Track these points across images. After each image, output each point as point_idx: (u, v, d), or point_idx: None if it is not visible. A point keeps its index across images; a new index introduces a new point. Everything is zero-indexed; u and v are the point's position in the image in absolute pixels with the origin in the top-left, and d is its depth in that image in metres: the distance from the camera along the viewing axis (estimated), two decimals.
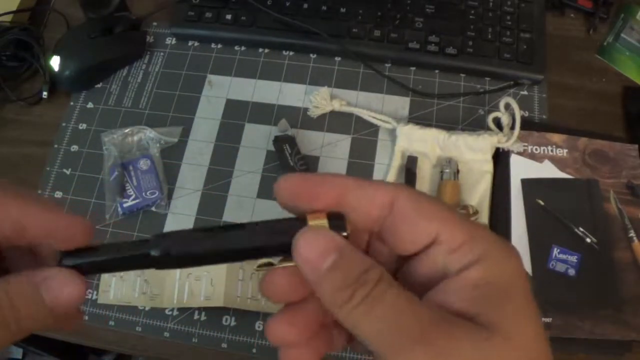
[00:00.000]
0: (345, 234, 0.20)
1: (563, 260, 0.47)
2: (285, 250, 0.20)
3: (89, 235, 0.21)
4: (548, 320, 0.45)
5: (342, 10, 0.60)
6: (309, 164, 0.54)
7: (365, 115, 0.55)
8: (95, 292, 0.50)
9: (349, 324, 0.19)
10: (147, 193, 0.53)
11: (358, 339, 0.19)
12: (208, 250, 0.21)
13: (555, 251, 0.48)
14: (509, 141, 0.51)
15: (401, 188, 0.20)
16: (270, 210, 0.52)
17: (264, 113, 0.57)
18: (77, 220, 0.21)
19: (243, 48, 0.61)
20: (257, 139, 0.56)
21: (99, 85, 0.61)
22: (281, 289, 0.22)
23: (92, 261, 0.21)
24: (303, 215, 0.20)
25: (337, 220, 0.20)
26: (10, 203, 0.20)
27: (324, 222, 0.20)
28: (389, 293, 0.18)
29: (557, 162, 0.51)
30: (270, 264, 0.22)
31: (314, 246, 0.19)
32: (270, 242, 0.20)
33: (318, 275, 0.19)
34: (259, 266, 0.22)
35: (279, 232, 0.20)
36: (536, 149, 0.52)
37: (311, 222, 0.20)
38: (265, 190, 0.53)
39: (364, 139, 0.55)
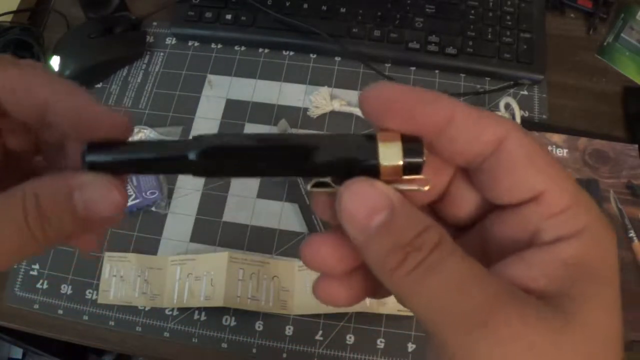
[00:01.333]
0: (420, 160, 0.17)
1: None
2: (342, 170, 0.17)
3: (126, 132, 0.18)
4: None
5: (342, 10, 0.60)
6: None
7: None
8: (95, 292, 0.50)
9: (399, 294, 0.16)
10: (147, 193, 0.53)
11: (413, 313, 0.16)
12: (255, 151, 0.17)
13: None
14: None
15: (514, 127, 0.17)
16: (271, 210, 0.52)
17: (264, 113, 0.57)
18: (112, 114, 0.18)
19: (243, 48, 0.61)
20: None
21: (99, 85, 0.61)
22: (324, 258, 0.18)
23: (122, 159, 0.18)
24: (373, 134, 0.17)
25: (413, 144, 0.17)
26: (37, 83, 0.17)
27: (398, 145, 0.17)
28: (449, 261, 0.16)
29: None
30: (327, 185, 0.18)
31: (362, 201, 0.16)
32: (326, 155, 0.17)
33: (366, 235, 0.16)
34: (314, 185, 0.18)
35: (340, 146, 0.17)
36: None
37: (381, 144, 0.17)
38: (266, 190, 0.53)
39: None
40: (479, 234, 0.19)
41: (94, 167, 0.18)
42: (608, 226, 0.17)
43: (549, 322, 0.15)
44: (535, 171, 0.17)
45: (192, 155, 0.17)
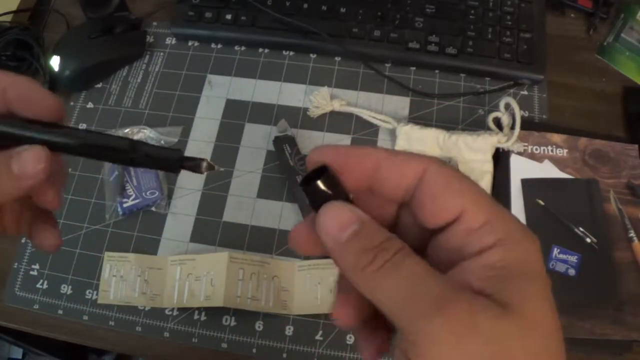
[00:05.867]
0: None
1: (563, 260, 0.47)
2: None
3: (60, 113, 0.25)
4: None
5: (342, 10, 0.60)
6: None
7: (365, 115, 0.55)
8: (95, 292, 0.50)
9: (368, 288, 0.19)
10: (147, 193, 0.53)
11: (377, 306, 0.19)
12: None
13: (556, 251, 0.48)
14: (509, 141, 0.51)
15: (432, 161, 0.20)
16: (271, 210, 0.52)
17: (264, 113, 0.57)
18: (51, 95, 0.24)
19: (243, 48, 0.61)
20: (257, 139, 0.56)
21: (99, 85, 0.61)
22: (306, 242, 0.22)
23: (56, 141, 0.24)
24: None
25: (331, 181, 0.20)
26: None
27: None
28: (410, 261, 0.19)
29: (557, 162, 0.51)
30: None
31: (336, 219, 0.20)
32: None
33: (339, 244, 0.19)
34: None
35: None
36: (536, 149, 0.52)
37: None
38: (265, 190, 0.53)
39: (364, 139, 0.55)
40: (430, 254, 0.22)
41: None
42: (527, 232, 0.20)
43: (493, 311, 0.18)
44: (452, 195, 0.20)
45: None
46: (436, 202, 0.20)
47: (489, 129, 0.53)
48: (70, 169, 0.56)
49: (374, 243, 0.19)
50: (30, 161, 0.23)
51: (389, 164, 0.21)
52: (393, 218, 0.23)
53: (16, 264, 0.52)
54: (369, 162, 0.21)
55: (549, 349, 0.18)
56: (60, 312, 0.50)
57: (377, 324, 0.22)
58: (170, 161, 0.25)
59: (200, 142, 0.56)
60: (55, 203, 0.26)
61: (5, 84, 0.24)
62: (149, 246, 0.52)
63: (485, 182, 0.51)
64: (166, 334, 0.49)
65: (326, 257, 0.21)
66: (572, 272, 0.47)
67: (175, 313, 0.49)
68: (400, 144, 0.53)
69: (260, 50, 0.61)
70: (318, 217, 0.20)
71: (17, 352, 1.01)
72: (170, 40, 0.63)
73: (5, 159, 0.23)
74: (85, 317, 0.50)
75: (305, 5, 0.60)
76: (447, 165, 0.21)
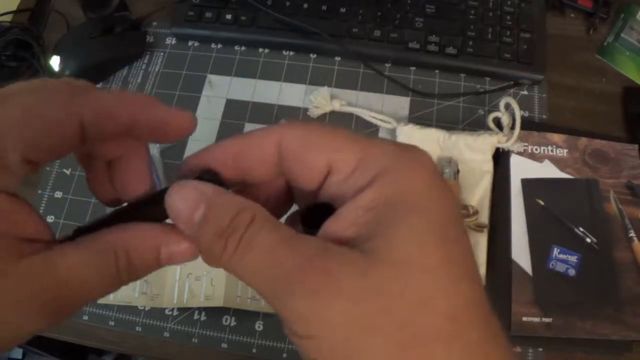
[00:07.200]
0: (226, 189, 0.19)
1: (563, 260, 0.47)
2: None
3: (190, 126, 0.21)
4: (548, 320, 0.45)
5: (342, 10, 0.60)
6: None
7: (366, 115, 0.55)
8: None
9: (236, 274, 0.18)
10: None
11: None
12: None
13: (556, 251, 0.48)
14: (509, 141, 0.51)
15: (287, 127, 0.20)
16: None
17: (264, 113, 0.57)
18: (185, 115, 0.21)
19: (243, 48, 0.61)
20: None
21: (98, 86, 0.61)
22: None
23: None
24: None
25: (210, 176, 0.19)
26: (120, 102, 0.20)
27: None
28: (261, 235, 0.17)
29: (557, 162, 0.51)
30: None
31: (182, 199, 0.18)
32: (154, 211, 0.20)
33: (193, 230, 0.18)
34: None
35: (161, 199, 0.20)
36: (536, 149, 0.52)
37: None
38: None
39: None
40: None
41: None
42: (414, 161, 0.18)
43: (355, 266, 0.16)
44: (313, 152, 0.19)
45: None
46: (301, 165, 0.19)
47: (489, 129, 0.53)
48: (70, 169, 0.56)
49: (224, 223, 0.17)
50: (181, 250, 0.20)
51: (247, 145, 0.20)
52: (284, 196, 0.22)
53: None
54: (230, 151, 0.20)
55: (436, 284, 0.16)
56: None
57: None
58: None
59: (201, 142, 0.56)
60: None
61: (126, 118, 0.20)
62: None
63: (485, 182, 0.51)
64: (166, 334, 0.49)
65: None
66: (572, 272, 0.47)
67: (175, 313, 0.49)
68: None
69: (260, 50, 0.61)
70: (167, 199, 0.19)
71: (17, 352, 1.01)
72: (170, 40, 0.63)
73: (151, 247, 0.20)
74: (85, 317, 0.50)
75: (305, 5, 0.60)
76: (306, 124, 0.20)
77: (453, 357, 0.16)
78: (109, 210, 0.22)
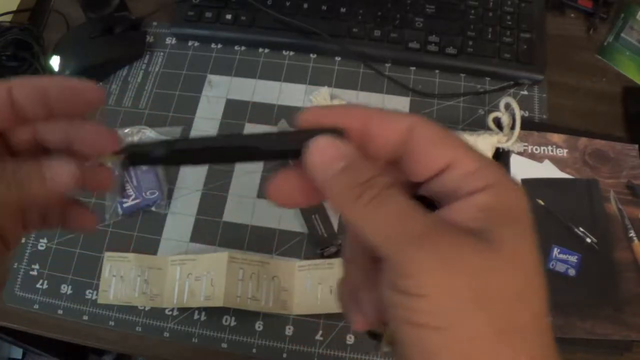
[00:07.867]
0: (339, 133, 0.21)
1: (563, 260, 0.47)
2: (294, 156, 0.21)
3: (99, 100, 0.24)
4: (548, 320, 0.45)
5: (342, 10, 0.60)
6: None
7: None
8: (95, 292, 0.50)
9: (356, 221, 0.19)
10: (147, 193, 0.53)
11: (361, 237, 0.20)
12: (216, 146, 0.22)
13: (556, 251, 0.48)
14: (509, 141, 0.51)
15: (419, 118, 0.21)
16: (271, 210, 0.52)
17: (264, 113, 0.57)
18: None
19: (243, 48, 0.61)
20: None
21: (99, 85, 0.61)
22: (287, 192, 0.22)
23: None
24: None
25: (338, 135, 0.21)
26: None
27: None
28: (398, 198, 0.19)
29: (557, 162, 0.51)
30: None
31: (326, 151, 0.20)
32: (281, 146, 0.21)
33: (329, 175, 0.20)
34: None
35: (292, 139, 0.21)
36: (536, 149, 0.52)
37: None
38: (265, 191, 0.53)
39: None
40: None
41: None
42: (514, 183, 0.21)
43: (478, 245, 0.18)
44: (442, 147, 0.21)
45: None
46: (427, 154, 0.21)
47: (489, 129, 0.53)
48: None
49: (362, 179, 0.19)
50: (61, 169, 0.23)
51: (379, 121, 0.21)
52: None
53: (16, 264, 0.52)
54: (358, 120, 0.21)
55: (532, 286, 0.19)
56: (60, 312, 0.50)
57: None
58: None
59: None
60: (92, 223, 0.28)
61: (46, 85, 0.23)
62: (149, 246, 0.52)
63: None
64: (166, 334, 0.49)
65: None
66: (572, 272, 0.47)
67: (175, 313, 0.49)
68: None
69: (260, 50, 0.61)
70: (310, 147, 0.20)
71: (17, 352, 1.01)
72: (170, 40, 0.63)
73: (38, 166, 0.23)
74: (85, 317, 0.50)
75: (305, 5, 0.60)
76: (433, 121, 0.21)
77: (535, 351, 0.19)
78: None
